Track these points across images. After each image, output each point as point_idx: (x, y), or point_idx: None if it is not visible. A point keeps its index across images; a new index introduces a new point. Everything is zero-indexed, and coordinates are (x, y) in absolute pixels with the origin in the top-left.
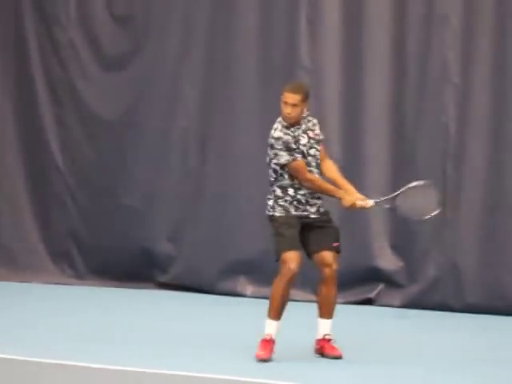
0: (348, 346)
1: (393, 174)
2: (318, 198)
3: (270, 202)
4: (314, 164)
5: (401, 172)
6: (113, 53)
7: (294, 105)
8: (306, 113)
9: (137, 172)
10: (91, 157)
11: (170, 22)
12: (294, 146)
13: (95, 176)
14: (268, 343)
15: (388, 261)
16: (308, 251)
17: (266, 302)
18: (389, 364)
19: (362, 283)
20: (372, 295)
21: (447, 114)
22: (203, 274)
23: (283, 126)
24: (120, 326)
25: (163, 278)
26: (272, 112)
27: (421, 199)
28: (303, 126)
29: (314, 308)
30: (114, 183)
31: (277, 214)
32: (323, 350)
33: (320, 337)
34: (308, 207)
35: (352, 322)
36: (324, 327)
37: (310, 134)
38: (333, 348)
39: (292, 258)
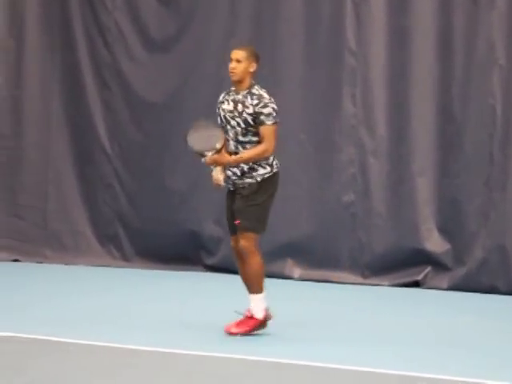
0: (394, 328)
1: (439, 156)
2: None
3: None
4: (231, 134)
5: (447, 154)
6: (158, 36)
7: (238, 60)
8: (253, 82)
9: (183, 154)
10: (137, 140)
11: (216, 5)
12: (217, 111)
13: (142, 159)
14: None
15: (435, 243)
16: None
17: (315, 285)
18: (433, 346)
19: (410, 266)
20: (419, 278)
21: (494, 96)
22: None
23: (227, 91)
24: (167, 309)
25: (210, 261)
26: (317, 94)
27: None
28: (239, 96)
29: (362, 290)
30: (160, 166)
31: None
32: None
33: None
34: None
35: (399, 305)
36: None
37: (239, 106)
38: (232, 323)
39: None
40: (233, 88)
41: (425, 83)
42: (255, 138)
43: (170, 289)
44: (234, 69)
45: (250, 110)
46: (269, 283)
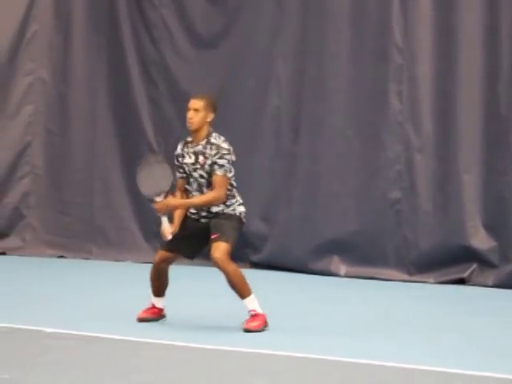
0: (440, 326)
1: (485, 153)
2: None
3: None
4: (195, 186)
5: (493, 152)
6: (205, 32)
7: (196, 109)
8: (211, 130)
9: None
10: (184, 135)
11: (262, 2)
12: (176, 163)
13: None
14: (151, 309)
15: (481, 240)
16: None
17: (361, 282)
18: (479, 343)
19: (455, 263)
20: (465, 275)
21: None
22: (296, 253)
23: (185, 141)
24: (215, 305)
25: (256, 258)
26: (364, 91)
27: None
28: (199, 147)
29: (408, 287)
30: None
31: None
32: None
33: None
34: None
35: (444, 302)
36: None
37: (200, 158)
38: (248, 320)
39: (158, 255)
40: (189, 139)
41: (471, 80)
42: None
43: (216, 285)
44: (191, 119)
45: (210, 161)
46: (315, 280)
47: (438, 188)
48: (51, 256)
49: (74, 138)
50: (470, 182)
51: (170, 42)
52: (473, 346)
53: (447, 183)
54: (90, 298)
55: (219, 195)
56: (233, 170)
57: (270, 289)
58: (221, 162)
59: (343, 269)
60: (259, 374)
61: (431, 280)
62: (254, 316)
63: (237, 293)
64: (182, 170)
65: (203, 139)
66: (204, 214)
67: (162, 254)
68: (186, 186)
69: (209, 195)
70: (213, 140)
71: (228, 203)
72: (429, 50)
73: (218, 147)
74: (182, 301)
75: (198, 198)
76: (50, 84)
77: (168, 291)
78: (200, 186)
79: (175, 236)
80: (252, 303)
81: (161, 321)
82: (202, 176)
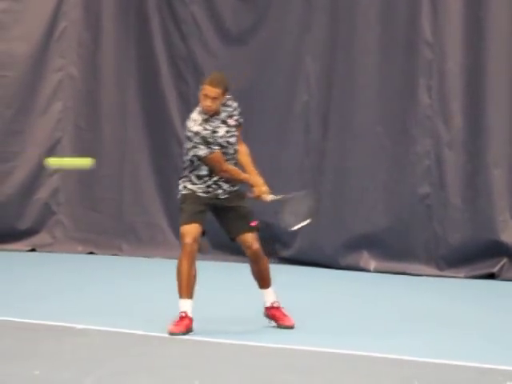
0: (470, 320)
1: None
2: (228, 181)
3: (182, 185)
4: (231, 151)
5: None
6: (234, 28)
7: (214, 98)
8: (225, 99)
9: (258, 146)
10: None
11: None
12: (211, 140)
13: None
14: (183, 320)
15: (511, 235)
16: (230, 235)
17: (390, 277)
18: (510, 339)
19: (485, 258)
20: (495, 270)
21: None
22: (326, 248)
23: (203, 120)
24: (245, 301)
25: (286, 253)
26: (393, 86)
27: (300, 207)
28: (222, 115)
29: (438, 282)
30: None
31: (184, 192)
32: (275, 317)
33: (268, 304)
34: (218, 190)
35: (474, 297)
36: (268, 296)
37: (230, 121)
38: (284, 316)
39: (188, 232)
40: (203, 116)
41: (500, 74)
42: None
43: (246, 281)
44: (210, 107)
45: (237, 116)
46: (344, 276)
47: (468, 182)
48: (81, 252)
49: (103, 134)
50: (500, 177)
51: (200, 38)
52: (503, 340)
53: (477, 178)
54: (120, 295)
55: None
56: None
57: (299, 284)
58: (241, 119)
59: (373, 264)
60: (290, 370)
61: (461, 275)
62: (282, 312)
63: (266, 281)
64: (218, 146)
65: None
66: (226, 187)
67: (191, 229)
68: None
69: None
70: (228, 102)
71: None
72: (458, 44)
73: (232, 104)
74: (211, 295)
75: (252, 167)
76: (80, 80)
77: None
78: (235, 149)
79: (194, 210)
80: (274, 293)
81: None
82: (233, 136)
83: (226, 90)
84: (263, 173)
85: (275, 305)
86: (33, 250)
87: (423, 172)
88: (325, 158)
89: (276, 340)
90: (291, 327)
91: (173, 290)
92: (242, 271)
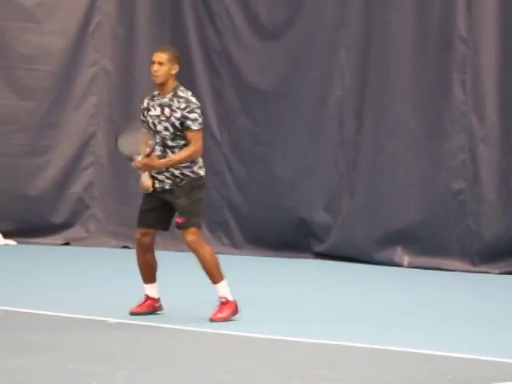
0: (503, 317)
1: None
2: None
3: None
4: (158, 140)
5: None
6: (269, 23)
7: (160, 63)
8: (177, 83)
9: (292, 141)
10: (247, 126)
11: None
12: (142, 118)
13: (251, 146)
14: (145, 301)
15: None
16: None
17: (424, 273)
18: None
19: None
20: None
21: None
22: (360, 243)
23: (152, 95)
24: (278, 296)
25: (320, 248)
26: (428, 82)
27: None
28: (165, 99)
29: (472, 278)
30: (270, 153)
31: None
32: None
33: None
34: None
35: (509, 293)
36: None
37: (166, 110)
38: (216, 312)
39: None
40: (156, 92)
41: None
42: (183, 142)
43: (279, 276)
44: (156, 72)
45: (178, 114)
46: (378, 271)
47: (502, 178)
48: (115, 246)
49: None
50: None
51: (234, 33)
52: None
53: (511, 173)
54: None
55: (197, 149)
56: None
57: (333, 279)
58: (192, 116)
59: (406, 259)
60: (325, 364)
61: (495, 270)
62: (224, 304)
63: (210, 277)
64: (146, 125)
65: (170, 92)
66: (168, 177)
67: (139, 231)
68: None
69: (187, 150)
70: (180, 93)
71: (188, 165)
72: (493, 40)
73: (188, 101)
74: (242, 289)
75: (177, 155)
76: (114, 74)
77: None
78: (164, 139)
79: (145, 210)
80: (223, 290)
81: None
82: (166, 128)
83: (174, 59)
84: (297, 168)
85: (221, 300)
86: (67, 243)
87: (457, 167)
88: (359, 153)
89: (311, 335)
90: (212, 319)
91: (203, 284)
92: (275, 266)
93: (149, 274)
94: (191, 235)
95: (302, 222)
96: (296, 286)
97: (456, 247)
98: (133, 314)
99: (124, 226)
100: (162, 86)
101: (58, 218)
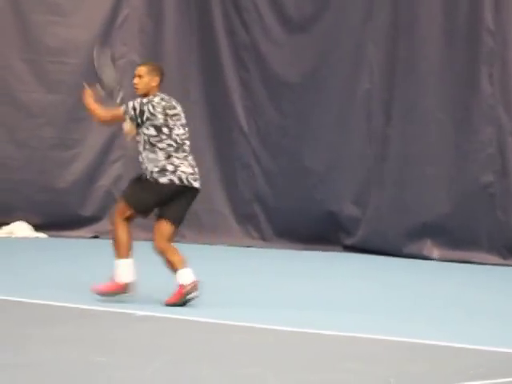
0: None
1: None
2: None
3: None
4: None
5: None
6: (296, 16)
7: (140, 76)
8: (157, 94)
9: (321, 134)
10: (276, 119)
11: None
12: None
13: (280, 138)
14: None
15: None
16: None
17: (453, 266)
18: None
19: None
20: None
21: None
22: (389, 236)
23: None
24: (306, 289)
25: (349, 241)
26: (455, 74)
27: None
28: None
29: (501, 271)
30: (298, 146)
31: None
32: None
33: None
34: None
35: None
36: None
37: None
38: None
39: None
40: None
41: None
42: (161, 145)
43: (308, 269)
44: (136, 84)
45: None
46: (408, 264)
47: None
48: (144, 239)
49: None
50: None
51: (261, 26)
52: None
53: None
54: None
55: (102, 117)
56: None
57: (361, 272)
58: (133, 102)
59: (436, 252)
60: (353, 357)
61: None
62: (110, 283)
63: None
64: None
65: None
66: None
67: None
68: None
69: (103, 112)
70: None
71: (159, 165)
72: None
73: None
74: (271, 282)
75: (103, 111)
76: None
77: (253, 272)
78: (144, 142)
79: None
80: (118, 267)
81: (248, 303)
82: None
83: (153, 71)
84: (325, 161)
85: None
86: (95, 236)
87: (486, 160)
88: (387, 146)
89: (339, 327)
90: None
91: (234, 276)
92: (304, 259)
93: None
94: (117, 207)
95: (331, 215)
96: (325, 279)
97: (485, 240)
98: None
99: (153, 219)
100: (144, 96)
101: (86, 211)
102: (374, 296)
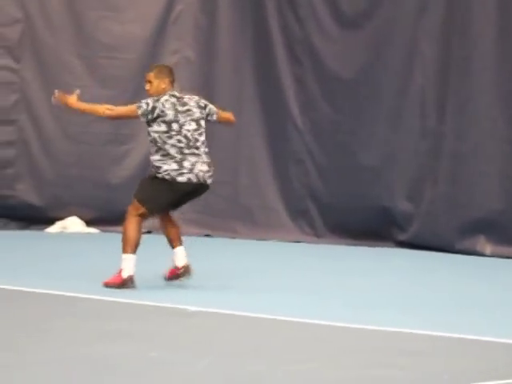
0: None
1: None
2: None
3: None
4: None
5: None
6: (350, 11)
7: (149, 81)
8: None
9: (374, 130)
10: (329, 115)
11: None
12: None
13: (333, 134)
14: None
15: None
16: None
17: (506, 262)
18: None
19: None
20: None
21: None
22: (442, 232)
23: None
24: (357, 284)
25: (402, 237)
26: (510, 70)
27: None
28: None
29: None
30: (352, 141)
31: None
32: None
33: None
34: None
35: None
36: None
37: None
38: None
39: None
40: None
41: None
42: (171, 141)
43: (360, 264)
44: (147, 90)
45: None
46: (461, 260)
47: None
48: (197, 235)
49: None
50: None
51: (315, 21)
52: None
53: None
54: (233, 277)
55: (110, 113)
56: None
57: (414, 268)
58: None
59: (489, 248)
60: (403, 353)
61: None
62: (118, 273)
63: (122, 245)
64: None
65: None
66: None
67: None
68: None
69: (102, 108)
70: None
71: (158, 161)
72: None
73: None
74: (324, 278)
75: (92, 106)
76: (196, 63)
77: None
78: (155, 141)
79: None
80: (124, 262)
81: (300, 299)
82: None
83: (160, 74)
84: (379, 156)
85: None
86: (149, 232)
87: None
88: (441, 142)
89: (388, 323)
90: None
91: (288, 272)
92: (357, 255)
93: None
94: (131, 205)
95: (384, 211)
96: (377, 274)
97: (500, 232)
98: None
99: (206, 214)
100: None
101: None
102: (425, 291)
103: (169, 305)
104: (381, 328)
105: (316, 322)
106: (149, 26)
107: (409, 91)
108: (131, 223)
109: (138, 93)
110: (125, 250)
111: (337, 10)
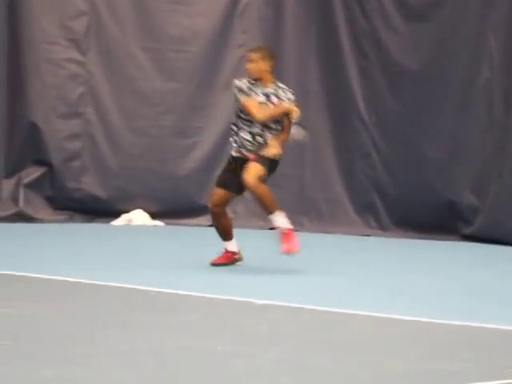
0: None
1: None
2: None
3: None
4: (259, 123)
5: None
6: (417, 4)
7: (252, 60)
8: (272, 77)
9: (441, 123)
10: (395, 108)
11: None
12: (247, 91)
13: (399, 127)
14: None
15: None
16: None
17: None
18: None
19: None
20: None
21: None
22: (508, 226)
23: (248, 81)
24: (424, 278)
25: (468, 230)
26: None
27: None
28: (269, 89)
29: None
30: (418, 135)
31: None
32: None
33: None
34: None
35: None
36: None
37: (273, 98)
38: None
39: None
40: (253, 81)
41: None
42: (279, 126)
43: (426, 258)
44: (249, 69)
45: (286, 102)
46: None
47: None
48: (262, 228)
49: None
50: None
51: (382, 15)
52: None
53: None
54: (300, 272)
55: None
56: None
57: (480, 262)
58: (290, 95)
59: None
60: (470, 346)
61: None
62: (286, 234)
63: (264, 209)
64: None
65: (271, 83)
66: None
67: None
68: (243, 121)
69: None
70: (281, 85)
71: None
72: None
73: (288, 90)
74: (392, 273)
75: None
76: None
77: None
78: (267, 124)
79: (225, 176)
80: (278, 219)
81: (364, 292)
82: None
83: (264, 56)
84: (445, 150)
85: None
86: (211, 225)
87: None
88: (507, 135)
89: (454, 316)
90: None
91: (352, 266)
92: (423, 248)
93: (227, 233)
94: (250, 174)
95: (450, 204)
96: (444, 268)
97: None
98: (214, 264)
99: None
100: (259, 80)
101: (204, 200)
102: (489, 285)
103: (237, 298)
104: (445, 321)
105: (382, 315)
106: (215, 18)
107: (475, 84)
108: (262, 186)
109: (204, 85)
110: (271, 210)
111: (403, 3)
